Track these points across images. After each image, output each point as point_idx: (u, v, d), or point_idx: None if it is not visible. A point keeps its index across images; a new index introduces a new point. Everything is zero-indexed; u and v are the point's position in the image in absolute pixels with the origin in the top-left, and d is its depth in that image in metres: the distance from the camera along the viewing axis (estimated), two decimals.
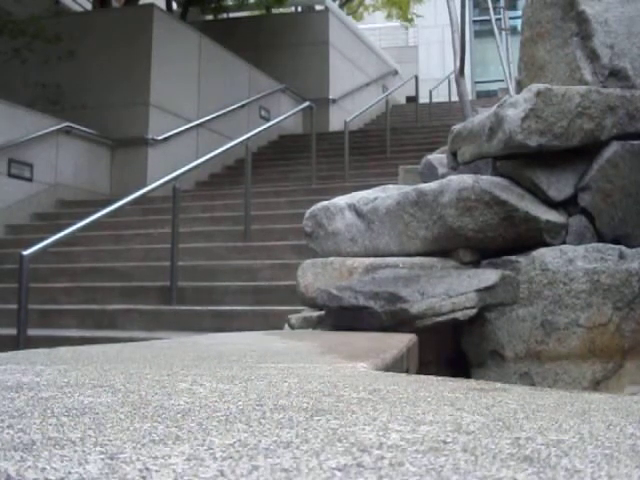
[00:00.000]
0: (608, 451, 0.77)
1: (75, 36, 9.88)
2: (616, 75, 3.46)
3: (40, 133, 8.84)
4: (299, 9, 17.90)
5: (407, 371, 2.07)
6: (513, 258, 3.11)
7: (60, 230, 5.37)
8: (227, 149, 7.69)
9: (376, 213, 3.32)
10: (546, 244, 3.15)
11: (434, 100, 16.74)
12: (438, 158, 4.10)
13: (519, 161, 3.26)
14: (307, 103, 10.44)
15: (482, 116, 3.47)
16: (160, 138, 10.06)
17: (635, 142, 3.22)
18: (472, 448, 0.76)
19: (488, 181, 3.14)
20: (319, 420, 0.92)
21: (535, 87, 3.17)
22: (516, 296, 3.00)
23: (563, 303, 3.03)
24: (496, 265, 3.10)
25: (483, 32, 24.55)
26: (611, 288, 3.03)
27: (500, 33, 11.61)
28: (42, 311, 5.57)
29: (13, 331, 4.64)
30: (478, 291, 2.74)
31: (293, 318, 3.08)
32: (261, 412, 0.97)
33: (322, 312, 2.94)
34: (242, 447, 0.75)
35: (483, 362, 3.11)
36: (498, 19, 11.86)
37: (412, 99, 17.77)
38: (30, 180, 8.87)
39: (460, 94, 8.94)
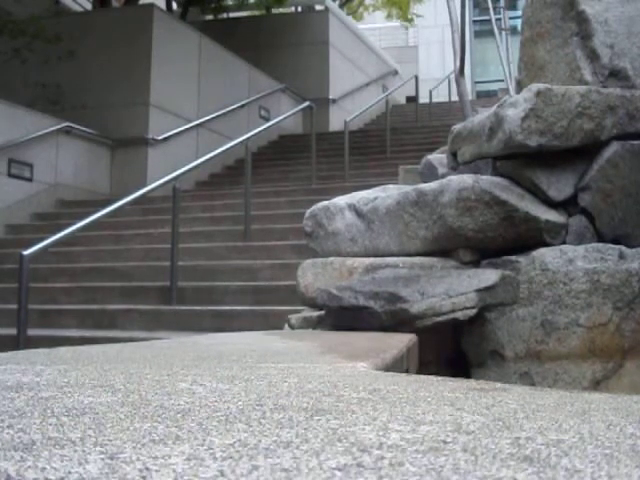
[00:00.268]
0: (608, 451, 0.77)
1: (75, 36, 9.88)
2: (616, 75, 3.46)
3: (40, 133, 8.84)
4: (299, 9, 17.90)
5: (407, 371, 2.07)
6: (513, 258, 3.11)
7: (60, 230, 5.37)
8: (227, 149, 7.69)
9: (376, 213, 3.32)
10: (546, 244, 3.15)
11: (434, 100, 16.75)
12: (438, 158, 4.10)
13: (519, 161, 3.25)
14: (307, 103, 10.44)
15: (482, 116, 3.47)
16: (160, 138, 10.06)
17: (635, 142, 3.22)
18: (472, 448, 0.76)
19: (488, 181, 3.14)
20: (319, 420, 0.92)
21: (535, 87, 3.17)
22: (516, 296, 3.00)
23: (563, 303, 3.03)
24: (496, 265, 3.10)
25: (483, 32, 24.56)
26: (611, 288, 3.02)
27: (500, 33, 11.61)
28: (42, 311, 5.57)
29: (13, 331, 4.64)
30: (478, 291, 2.74)
31: (293, 318, 3.08)
32: (261, 412, 0.97)
33: (322, 312, 2.94)
34: (242, 447, 0.75)
35: (483, 362, 3.10)
36: (498, 19, 11.87)
37: (412, 99, 17.78)
38: (30, 180, 8.87)
39: (460, 94, 8.94)
